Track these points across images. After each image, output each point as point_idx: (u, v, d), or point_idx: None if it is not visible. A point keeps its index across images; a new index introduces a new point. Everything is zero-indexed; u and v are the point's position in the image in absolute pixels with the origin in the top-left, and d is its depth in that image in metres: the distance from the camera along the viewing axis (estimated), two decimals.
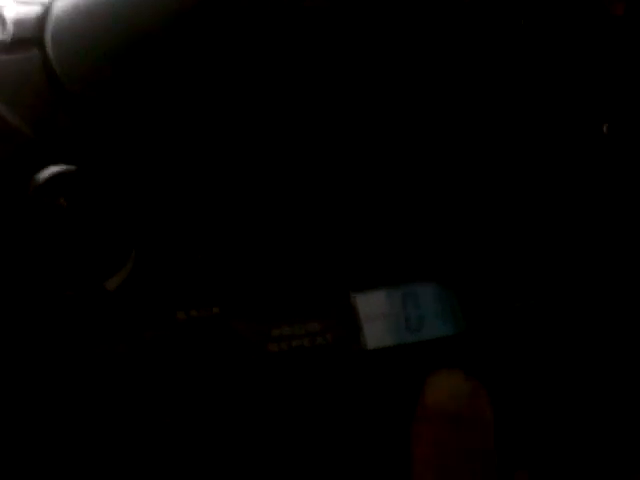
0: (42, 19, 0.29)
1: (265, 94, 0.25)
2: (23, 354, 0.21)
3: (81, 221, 0.20)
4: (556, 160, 0.25)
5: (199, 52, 0.26)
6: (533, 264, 0.23)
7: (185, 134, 0.24)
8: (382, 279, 0.22)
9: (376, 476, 0.21)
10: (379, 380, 0.21)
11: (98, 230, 0.20)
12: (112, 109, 0.24)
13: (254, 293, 0.21)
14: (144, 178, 0.22)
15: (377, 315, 0.22)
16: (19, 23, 0.29)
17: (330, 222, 0.22)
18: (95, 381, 0.20)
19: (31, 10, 0.30)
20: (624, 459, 0.24)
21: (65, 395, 0.20)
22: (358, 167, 0.23)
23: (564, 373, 0.23)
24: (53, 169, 0.20)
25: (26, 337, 0.20)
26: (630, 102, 0.27)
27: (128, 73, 0.26)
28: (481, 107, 0.25)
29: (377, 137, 0.24)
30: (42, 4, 0.32)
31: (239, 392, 0.20)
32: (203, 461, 0.21)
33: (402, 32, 0.27)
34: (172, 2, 0.28)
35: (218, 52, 0.26)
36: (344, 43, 0.26)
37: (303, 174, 0.23)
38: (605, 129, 0.26)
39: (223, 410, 0.20)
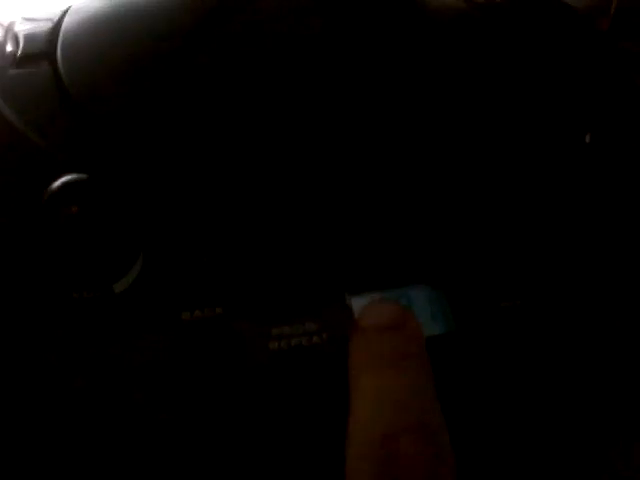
0: (52, 34, 0.30)
1: (265, 99, 0.26)
2: (33, 353, 0.22)
3: (91, 227, 0.21)
4: (540, 166, 0.26)
5: (203, 66, 0.27)
6: (519, 265, 0.24)
7: (189, 144, 0.25)
8: (377, 282, 0.23)
9: None
10: None
11: (107, 235, 0.21)
12: (119, 120, 0.26)
13: (255, 294, 0.22)
14: (150, 185, 0.23)
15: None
16: (30, 38, 0.31)
17: (327, 229, 0.23)
18: (103, 379, 0.21)
19: (41, 25, 0.32)
20: (608, 454, 0.25)
21: (72, 394, 0.21)
22: (353, 173, 0.24)
23: (550, 371, 0.24)
24: (65, 178, 0.21)
25: (37, 337, 0.22)
26: (612, 111, 0.29)
27: (134, 86, 0.27)
28: (469, 113, 0.26)
29: (367, 143, 0.25)
30: (51, 20, 0.33)
31: (242, 388, 0.22)
32: (207, 457, 0.22)
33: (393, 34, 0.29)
34: (173, 22, 0.29)
35: (221, 67, 0.27)
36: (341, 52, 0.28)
37: (301, 181, 0.24)
38: (588, 138, 0.27)
39: (226, 405, 0.22)
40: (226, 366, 0.21)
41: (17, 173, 0.25)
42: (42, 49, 0.30)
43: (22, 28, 0.32)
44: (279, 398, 0.22)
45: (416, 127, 0.26)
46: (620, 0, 0.39)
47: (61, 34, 0.30)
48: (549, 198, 0.25)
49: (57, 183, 0.21)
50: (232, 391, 0.22)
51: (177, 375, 0.21)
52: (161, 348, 0.21)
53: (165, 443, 0.22)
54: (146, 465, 0.22)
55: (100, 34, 0.30)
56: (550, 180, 0.25)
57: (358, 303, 0.23)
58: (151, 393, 0.21)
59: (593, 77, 0.30)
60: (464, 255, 0.24)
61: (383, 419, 0.19)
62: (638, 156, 0.28)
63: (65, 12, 0.32)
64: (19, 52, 0.30)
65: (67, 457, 0.22)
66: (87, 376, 0.21)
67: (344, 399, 0.22)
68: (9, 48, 0.30)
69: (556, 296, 0.24)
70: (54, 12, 0.33)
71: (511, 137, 0.26)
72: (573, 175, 0.26)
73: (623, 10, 0.39)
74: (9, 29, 0.32)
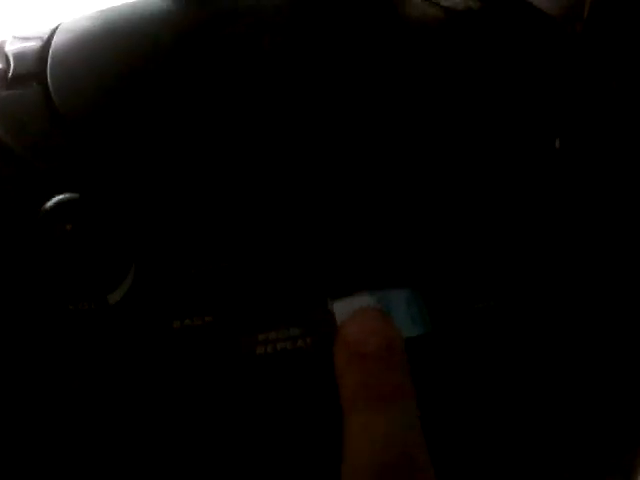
0: (42, 53, 0.31)
1: (249, 113, 0.27)
2: (31, 363, 0.23)
3: (85, 242, 0.22)
4: (511, 171, 0.27)
5: (190, 84, 0.28)
6: (492, 267, 0.25)
7: (176, 158, 0.26)
8: (357, 286, 0.24)
9: None
10: None
11: (100, 250, 0.22)
12: (109, 138, 0.27)
13: (242, 302, 0.23)
14: (140, 199, 0.24)
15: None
16: (20, 58, 0.31)
17: (307, 236, 0.25)
18: (99, 385, 0.23)
19: (31, 45, 0.32)
20: (580, 456, 0.26)
21: (67, 402, 0.23)
22: (331, 181, 0.25)
23: (524, 370, 0.25)
24: (58, 198, 0.22)
25: (34, 348, 0.23)
26: (581, 117, 0.30)
27: (123, 105, 0.28)
28: (443, 119, 0.27)
29: (342, 150, 0.26)
30: (41, 38, 0.34)
31: (231, 391, 0.23)
32: (197, 459, 0.23)
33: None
34: (159, 40, 0.30)
35: (207, 83, 0.28)
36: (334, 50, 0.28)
37: (282, 189, 0.25)
38: (557, 143, 0.28)
39: (217, 408, 0.23)
40: (216, 370, 0.23)
41: (10, 192, 0.26)
42: (32, 69, 0.30)
43: (12, 47, 0.32)
44: (267, 401, 0.23)
45: (388, 134, 0.27)
46: (593, 4, 0.40)
47: (51, 53, 0.31)
48: (520, 202, 0.26)
49: (51, 202, 0.22)
50: (223, 392, 0.23)
51: (168, 381, 0.22)
52: (155, 354, 0.22)
53: (156, 449, 0.23)
54: (136, 471, 0.23)
55: (90, 53, 0.31)
56: (521, 184, 0.27)
57: (340, 307, 0.24)
58: (144, 400, 0.23)
59: (565, 82, 0.31)
60: (440, 257, 0.25)
61: (373, 454, 0.20)
62: (608, 160, 0.29)
63: (54, 30, 0.33)
64: (10, 73, 0.30)
65: (60, 462, 0.23)
66: (81, 384, 0.22)
67: (328, 400, 0.23)
68: (0, 67, 0.31)
69: (529, 297, 0.25)
70: (44, 30, 0.34)
71: (482, 142, 0.27)
72: (543, 179, 0.27)
73: (596, 14, 0.40)
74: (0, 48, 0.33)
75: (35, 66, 0.31)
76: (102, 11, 0.34)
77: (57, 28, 0.33)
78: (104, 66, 0.30)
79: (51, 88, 0.29)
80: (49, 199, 0.23)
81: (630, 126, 0.31)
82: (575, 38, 0.37)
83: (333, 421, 0.23)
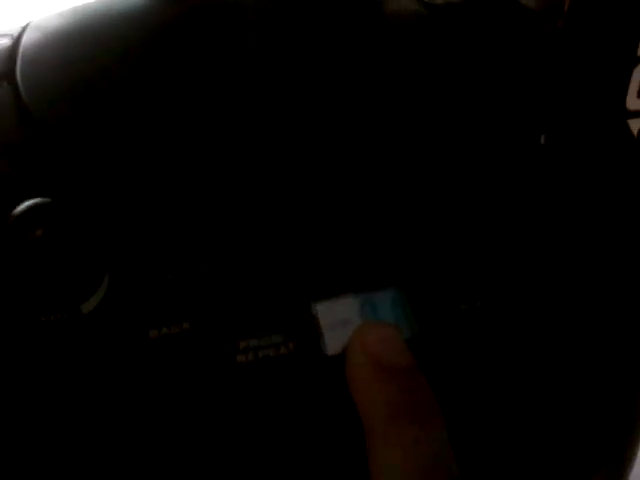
0: (11, 52, 0.30)
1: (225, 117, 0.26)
2: (4, 374, 0.22)
3: (57, 249, 0.21)
4: (495, 168, 0.26)
5: (161, 86, 0.27)
6: (478, 268, 0.25)
7: (150, 161, 0.25)
8: (341, 288, 0.24)
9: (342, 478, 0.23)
10: (340, 384, 0.22)
11: (73, 257, 0.21)
12: (80, 140, 0.26)
13: (221, 309, 0.23)
14: (113, 204, 0.24)
15: (337, 323, 0.23)
16: None
17: (288, 238, 0.24)
18: (73, 397, 0.22)
19: (0, 44, 0.31)
20: (566, 460, 0.26)
21: (42, 414, 0.22)
22: (308, 183, 0.25)
23: (511, 371, 0.25)
24: (29, 202, 0.21)
25: (5, 360, 0.22)
26: (566, 113, 0.29)
27: (96, 106, 0.27)
28: (426, 115, 0.27)
29: (330, 147, 0.26)
30: (10, 36, 0.33)
31: (212, 401, 0.22)
32: (174, 471, 0.22)
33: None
34: (130, 40, 0.29)
35: (179, 84, 0.27)
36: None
37: (259, 193, 0.24)
38: (542, 140, 0.28)
39: (198, 419, 0.22)
40: (196, 380, 0.22)
41: None
42: (1, 68, 0.30)
43: None
44: (250, 410, 0.22)
45: (368, 131, 0.26)
46: (573, 0, 0.40)
47: (20, 52, 0.30)
48: (505, 199, 0.26)
49: (21, 207, 0.21)
50: (203, 402, 0.22)
51: (146, 393, 0.22)
52: (132, 365, 0.22)
53: (130, 462, 0.22)
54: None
55: (61, 51, 0.30)
56: (506, 181, 0.26)
57: (323, 310, 0.23)
58: (120, 413, 0.22)
59: (548, 77, 0.31)
60: (425, 258, 0.24)
61: (415, 471, 0.20)
62: (593, 157, 0.28)
63: (24, 28, 0.32)
64: None
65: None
66: (54, 396, 0.22)
67: (315, 407, 0.22)
68: None
69: (516, 297, 0.25)
70: (14, 28, 0.33)
71: (465, 139, 0.27)
72: (528, 176, 0.27)
73: (576, 10, 0.40)
74: None
75: (4, 65, 0.30)
76: (75, 8, 0.33)
77: (27, 26, 0.32)
78: (76, 66, 0.29)
79: (21, 88, 0.28)
80: (19, 204, 0.22)
81: (612, 120, 0.31)
82: (557, 33, 0.37)
83: (321, 429, 0.22)
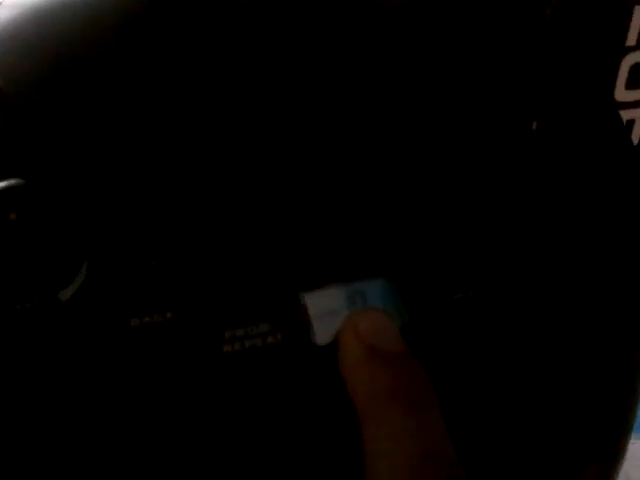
0: None
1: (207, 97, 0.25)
2: None
3: (32, 234, 0.20)
4: (487, 155, 0.26)
5: (137, 64, 0.26)
6: (471, 257, 0.24)
7: (129, 142, 0.24)
8: (330, 278, 0.23)
9: (334, 470, 0.22)
10: (330, 374, 0.22)
11: (49, 242, 0.20)
12: (55, 121, 0.25)
13: (206, 297, 0.22)
14: (92, 187, 0.23)
15: (326, 313, 0.22)
16: None
17: (276, 227, 0.23)
18: (51, 388, 0.21)
19: None
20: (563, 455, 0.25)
21: (20, 403, 0.21)
22: (301, 170, 0.24)
23: (504, 361, 0.24)
24: (1, 184, 0.20)
25: None
26: (559, 99, 0.29)
27: (73, 86, 0.26)
28: (416, 102, 0.26)
29: (317, 135, 0.25)
30: None
31: (197, 392, 0.21)
32: (158, 464, 0.21)
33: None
34: (115, 19, 0.28)
35: (155, 64, 0.26)
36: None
37: (247, 178, 0.24)
38: (534, 126, 0.27)
39: (183, 412, 0.21)
40: (179, 371, 0.21)
41: None
42: None
43: None
44: (237, 402, 0.21)
45: (356, 121, 0.26)
46: None
47: None
48: (497, 187, 0.25)
49: None
50: (188, 394, 0.21)
51: (126, 384, 0.21)
52: (112, 355, 0.21)
53: (111, 455, 0.21)
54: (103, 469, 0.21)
55: (36, 30, 0.29)
56: (498, 168, 0.26)
57: (312, 300, 0.23)
58: (101, 404, 0.21)
59: (540, 63, 0.30)
60: (416, 247, 0.24)
61: (408, 456, 0.20)
62: (585, 144, 0.28)
63: None
64: None
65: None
66: (31, 388, 0.21)
67: (304, 397, 0.22)
68: None
69: (509, 287, 0.24)
70: None
71: (455, 127, 0.26)
72: (520, 163, 0.26)
73: None
74: None
75: None
76: None
77: (1, 4, 0.31)
78: (51, 45, 0.28)
79: None
80: None
81: (603, 107, 0.30)
82: (545, 22, 0.36)
83: (311, 419, 0.22)
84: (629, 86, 0.45)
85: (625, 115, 0.45)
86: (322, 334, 0.22)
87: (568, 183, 0.27)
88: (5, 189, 0.20)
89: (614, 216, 0.27)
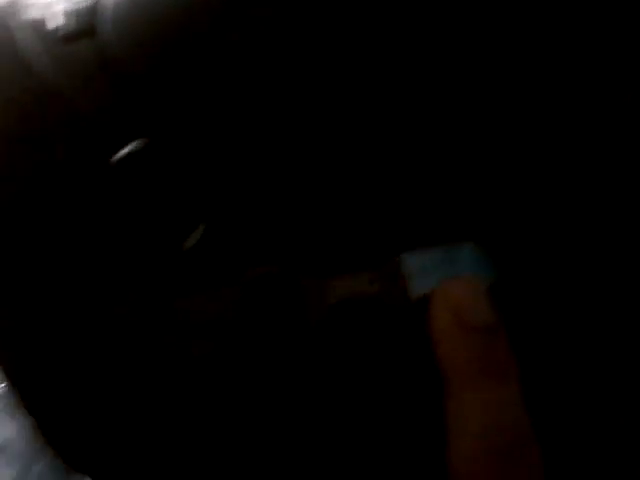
0: (94, 10, 0.31)
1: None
2: (102, 308, 0.23)
3: (157, 190, 0.22)
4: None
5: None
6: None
7: (237, 121, 0.26)
8: (426, 240, 0.24)
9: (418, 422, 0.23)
10: (420, 329, 0.23)
11: (173, 196, 0.22)
12: (168, 89, 0.27)
13: (313, 251, 0.23)
14: (208, 149, 0.24)
15: (420, 269, 0.24)
16: (71, 15, 0.31)
17: (377, 194, 0.24)
18: (165, 332, 0.23)
19: (82, 2, 0.32)
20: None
21: (136, 348, 0.23)
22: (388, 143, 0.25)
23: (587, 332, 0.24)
24: (131, 146, 0.22)
25: (106, 292, 0.23)
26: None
27: (179, 61, 0.28)
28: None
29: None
30: None
31: (306, 338, 0.23)
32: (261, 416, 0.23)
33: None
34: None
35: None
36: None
37: (345, 145, 0.25)
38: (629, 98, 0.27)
39: (291, 354, 0.23)
40: (288, 319, 0.23)
41: (75, 147, 0.26)
42: (83, 25, 0.30)
43: (66, 5, 0.32)
44: (338, 351, 0.23)
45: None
46: None
47: (102, 9, 0.31)
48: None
49: (124, 150, 0.22)
50: (293, 345, 0.23)
51: (239, 331, 0.23)
52: (226, 303, 0.23)
53: (221, 399, 0.23)
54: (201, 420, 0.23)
55: (140, 8, 0.31)
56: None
57: (407, 258, 0.24)
58: (212, 348, 0.23)
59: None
60: (503, 212, 0.25)
61: (488, 431, 0.21)
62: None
63: None
64: (61, 31, 0.30)
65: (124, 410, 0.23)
66: (151, 329, 0.23)
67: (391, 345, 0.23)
68: (52, 26, 0.31)
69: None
70: None
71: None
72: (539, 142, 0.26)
73: None
74: (47, 7, 0.33)
75: (86, 22, 0.30)
76: None
77: None
78: (158, 21, 0.30)
79: (106, 44, 0.29)
80: (117, 151, 0.23)
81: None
82: None
83: (400, 371, 0.23)
84: None
85: None
86: (415, 291, 0.24)
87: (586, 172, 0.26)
88: (134, 151, 0.22)
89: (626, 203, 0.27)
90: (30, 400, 0.24)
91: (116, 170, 0.22)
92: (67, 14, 0.32)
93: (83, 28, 0.30)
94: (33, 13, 0.31)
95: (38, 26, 0.31)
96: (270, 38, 0.27)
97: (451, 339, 0.22)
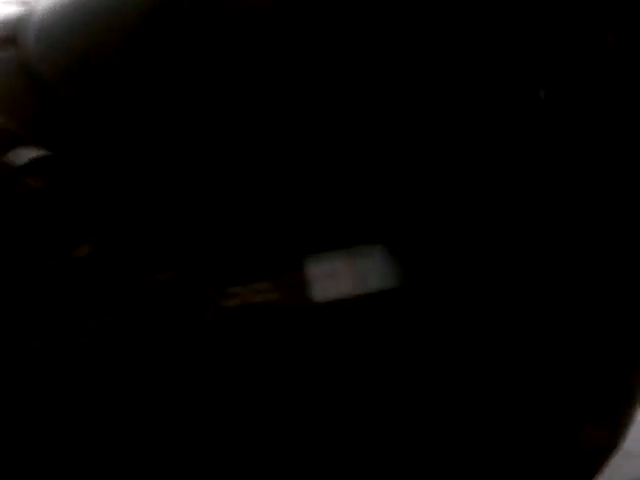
0: (23, 19, 0.31)
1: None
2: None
3: (55, 200, 0.22)
4: (493, 123, 0.26)
5: (169, 52, 0.27)
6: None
7: (147, 119, 0.25)
8: (329, 243, 0.24)
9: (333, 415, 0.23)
10: (326, 330, 0.23)
11: (69, 206, 0.22)
12: (83, 101, 0.26)
13: (210, 257, 0.23)
14: (108, 158, 0.24)
15: (323, 274, 0.23)
16: (2, 23, 0.31)
17: (281, 194, 0.24)
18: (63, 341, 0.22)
19: (15, 10, 0.32)
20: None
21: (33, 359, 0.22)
22: (304, 140, 0.25)
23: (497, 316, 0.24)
24: (32, 155, 0.22)
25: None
26: (566, 67, 0.28)
27: (99, 69, 0.27)
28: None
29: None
30: (16, 2, 0.33)
31: (199, 342, 0.22)
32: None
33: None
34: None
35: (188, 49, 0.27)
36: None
37: (257, 146, 0.24)
38: (543, 94, 0.27)
39: (187, 360, 0.22)
40: (183, 324, 0.22)
41: None
42: (12, 34, 0.30)
43: None
44: (235, 349, 0.23)
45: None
46: None
47: (32, 19, 0.31)
48: (506, 155, 0.25)
49: (24, 159, 0.22)
50: (191, 343, 0.22)
51: (132, 337, 0.22)
52: (121, 311, 0.22)
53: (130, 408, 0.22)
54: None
55: (71, 19, 0.30)
56: (505, 137, 0.26)
57: (311, 264, 0.23)
58: (114, 354, 0.22)
59: (550, 31, 0.30)
60: (411, 215, 0.24)
61: None
62: (594, 112, 0.28)
63: None
64: None
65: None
66: (47, 339, 0.22)
67: (293, 347, 0.22)
68: None
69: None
70: None
71: (468, 94, 0.26)
72: (527, 132, 0.26)
73: None
74: None
75: (15, 31, 0.30)
76: None
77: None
78: (84, 31, 0.29)
79: (30, 53, 0.29)
80: (23, 158, 0.22)
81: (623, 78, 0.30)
82: None
83: (300, 371, 0.23)
84: None
85: None
86: (318, 293, 0.23)
87: (578, 153, 0.26)
88: (35, 159, 0.22)
89: (623, 194, 0.27)
90: None
91: (16, 176, 0.21)
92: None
93: (10, 36, 0.30)
94: None
95: None
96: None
97: None
